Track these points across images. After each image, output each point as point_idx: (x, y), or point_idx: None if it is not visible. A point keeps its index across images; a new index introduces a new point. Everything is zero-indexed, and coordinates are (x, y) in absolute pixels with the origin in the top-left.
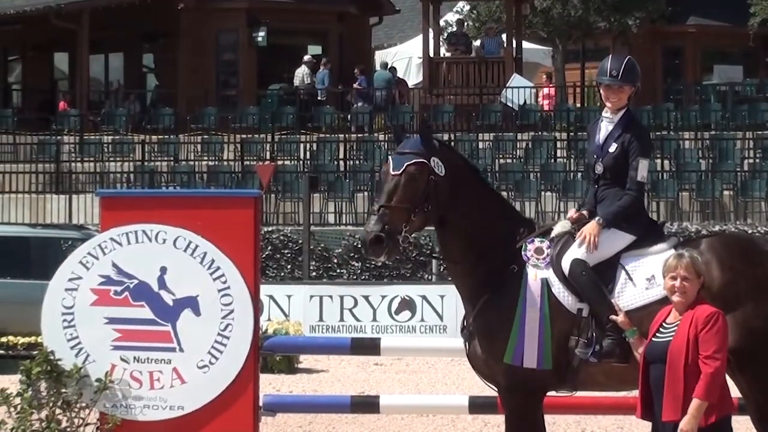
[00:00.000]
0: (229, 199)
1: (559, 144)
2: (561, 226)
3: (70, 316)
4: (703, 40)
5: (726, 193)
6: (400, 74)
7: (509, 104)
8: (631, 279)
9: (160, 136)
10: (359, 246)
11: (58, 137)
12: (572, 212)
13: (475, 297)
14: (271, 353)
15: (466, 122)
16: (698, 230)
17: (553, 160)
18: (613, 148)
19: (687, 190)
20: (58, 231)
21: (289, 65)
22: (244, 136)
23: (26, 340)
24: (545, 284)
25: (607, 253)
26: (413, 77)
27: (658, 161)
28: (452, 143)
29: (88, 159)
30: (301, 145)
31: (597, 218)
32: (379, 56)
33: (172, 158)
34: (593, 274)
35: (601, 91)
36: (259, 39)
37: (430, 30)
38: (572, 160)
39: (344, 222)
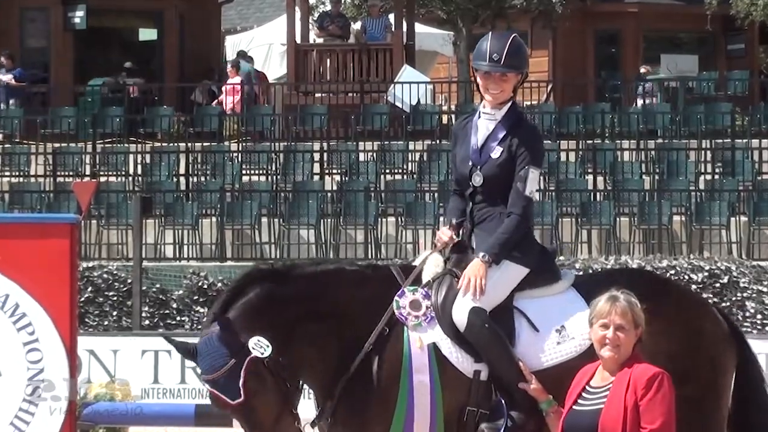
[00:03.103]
0: (37, 227)
1: None
2: (434, 265)
3: None
4: (647, 22)
5: (676, 218)
6: (257, 66)
7: (398, 104)
8: (536, 330)
9: None
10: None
11: None
12: (444, 234)
13: (332, 380)
14: (93, 425)
15: (343, 127)
16: (640, 266)
17: None
18: (496, 152)
19: (627, 214)
20: None
21: (115, 54)
22: (57, 145)
23: None
24: (432, 348)
25: (501, 294)
26: (274, 69)
27: (590, 177)
28: (325, 155)
29: None
30: (131, 157)
31: (481, 255)
32: (231, 42)
33: None
34: (495, 327)
35: (479, 79)
36: (77, 20)
37: (297, 9)
38: None
39: (186, 255)
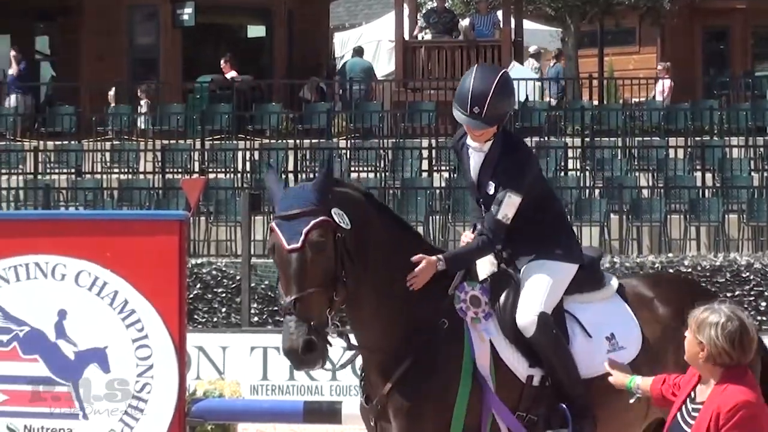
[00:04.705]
0: (146, 223)
1: (571, 152)
2: (488, 263)
3: None
4: (756, 19)
5: None
6: None
7: None
8: (590, 336)
9: (57, 142)
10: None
11: None
12: (467, 238)
13: (391, 363)
14: (202, 421)
15: (451, 124)
16: (749, 263)
17: (563, 173)
18: (491, 189)
19: (735, 211)
20: None
21: (223, 51)
22: (165, 142)
23: None
24: (491, 346)
25: (558, 296)
26: (383, 66)
27: (698, 174)
28: (433, 151)
29: None
30: (239, 154)
31: (441, 261)
32: (340, 39)
33: (73, 170)
34: (560, 332)
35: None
36: (185, 17)
37: (405, 5)
38: (588, 173)
39: None
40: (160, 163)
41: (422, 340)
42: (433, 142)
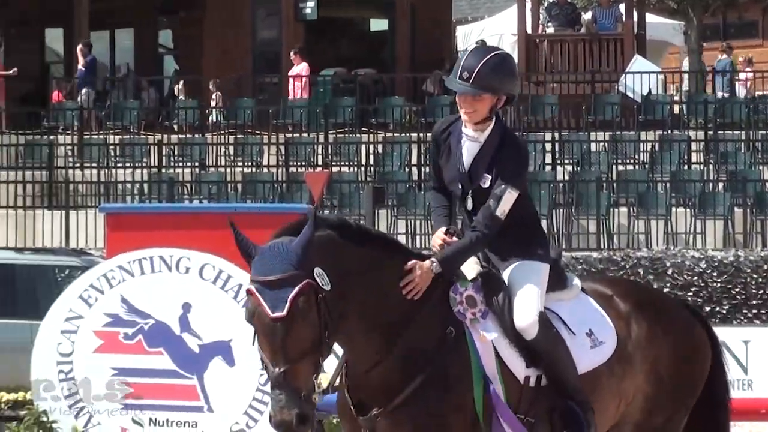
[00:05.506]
0: (270, 216)
1: (694, 146)
2: (473, 262)
3: (68, 366)
4: None
5: None
6: None
7: (629, 94)
8: (573, 333)
9: (181, 136)
10: None
11: (51, 137)
12: (442, 234)
13: (396, 378)
14: (327, 414)
15: (574, 118)
16: None
17: (686, 167)
18: (487, 182)
19: None
20: (51, 257)
21: (346, 44)
22: (289, 135)
23: (11, 396)
24: (493, 346)
25: (544, 295)
26: None
27: None
28: (557, 145)
29: (90, 165)
30: (363, 147)
31: (435, 263)
32: (462, 33)
33: (196, 164)
34: (558, 331)
35: (457, 96)
36: (308, 11)
37: None
38: (711, 167)
39: (418, 245)
40: (283, 157)
41: (430, 353)
42: (557, 135)
